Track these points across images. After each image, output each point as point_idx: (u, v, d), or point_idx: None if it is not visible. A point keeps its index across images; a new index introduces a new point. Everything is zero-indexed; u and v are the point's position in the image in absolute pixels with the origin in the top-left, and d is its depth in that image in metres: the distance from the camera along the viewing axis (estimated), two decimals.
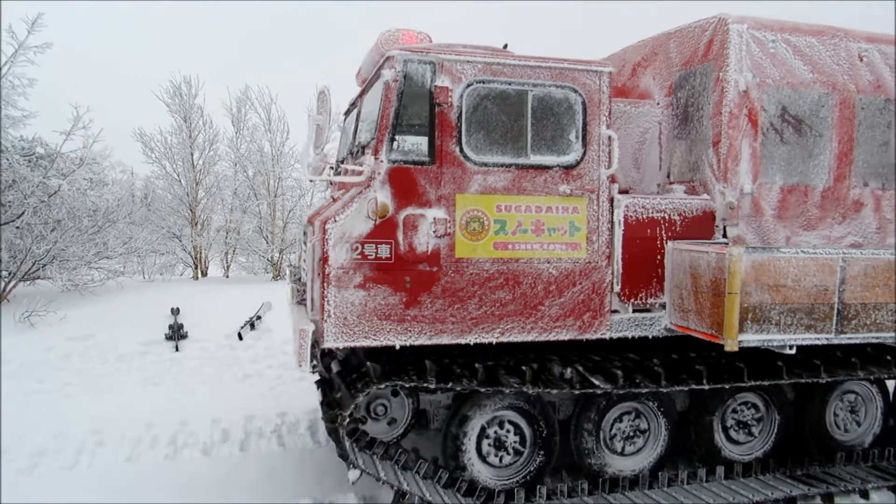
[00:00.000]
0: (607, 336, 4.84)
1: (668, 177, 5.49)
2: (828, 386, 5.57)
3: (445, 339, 4.55)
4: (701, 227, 4.98)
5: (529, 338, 4.69)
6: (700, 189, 5.14)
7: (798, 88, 5.10)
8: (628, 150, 5.54)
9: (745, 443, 5.50)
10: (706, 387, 4.90)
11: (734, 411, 5.44)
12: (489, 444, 4.95)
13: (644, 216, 4.85)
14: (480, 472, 4.93)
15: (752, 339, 4.39)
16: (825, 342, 4.56)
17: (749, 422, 5.46)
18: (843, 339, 4.59)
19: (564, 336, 4.76)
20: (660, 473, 5.14)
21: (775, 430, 5.51)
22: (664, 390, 4.86)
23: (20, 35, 10.29)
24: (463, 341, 4.58)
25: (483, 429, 4.93)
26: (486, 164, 4.56)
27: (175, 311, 10.08)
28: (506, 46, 5.11)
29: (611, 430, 5.20)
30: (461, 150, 4.51)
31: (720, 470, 5.22)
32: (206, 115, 14.92)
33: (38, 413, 7.02)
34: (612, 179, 4.84)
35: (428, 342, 4.52)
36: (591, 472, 5.11)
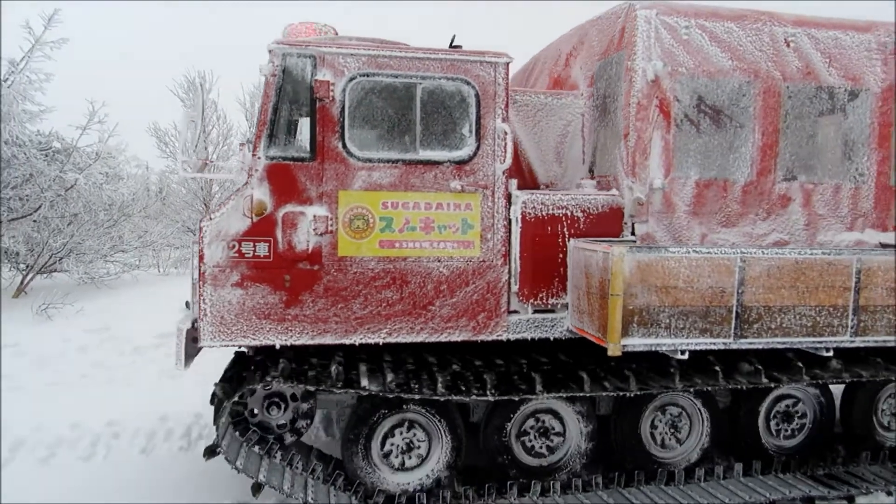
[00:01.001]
0: (504, 337, 4.68)
1: (591, 171, 5.24)
2: (759, 391, 5.24)
3: (329, 339, 4.47)
4: (608, 224, 4.73)
5: (419, 338, 4.57)
6: (613, 184, 4.89)
7: (715, 77, 4.77)
8: (550, 143, 5.33)
9: (674, 448, 5.23)
10: (491, 398, 4.54)
11: (659, 417, 5.18)
12: (392, 444, 4.84)
13: (544, 213, 4.65)
14: (380, 471, 4.81)
15: (637, 343, 4.14)
16: (722, 347, 4.27)
17: (674, 428, 5.19)
18: (744, 343, 4.28)
19: (458, 337, 4.62)
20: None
21: (705, 435, 5.22)
22: (440, 399, 4.51)
23: (37, 31, 10.66)
24: (347, 341, 4.50)
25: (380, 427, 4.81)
26: (370, 160, 4.45)
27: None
28: (452, 42, 4.91)
29: (522, 430, 5.00)
30: (344, 146, 4.41)
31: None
32: (220, 109, 15.23)
33: (56, 404, 7.08)
34: (510, 175, 4.67)
35: (310, 342, 4.46)
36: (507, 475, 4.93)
